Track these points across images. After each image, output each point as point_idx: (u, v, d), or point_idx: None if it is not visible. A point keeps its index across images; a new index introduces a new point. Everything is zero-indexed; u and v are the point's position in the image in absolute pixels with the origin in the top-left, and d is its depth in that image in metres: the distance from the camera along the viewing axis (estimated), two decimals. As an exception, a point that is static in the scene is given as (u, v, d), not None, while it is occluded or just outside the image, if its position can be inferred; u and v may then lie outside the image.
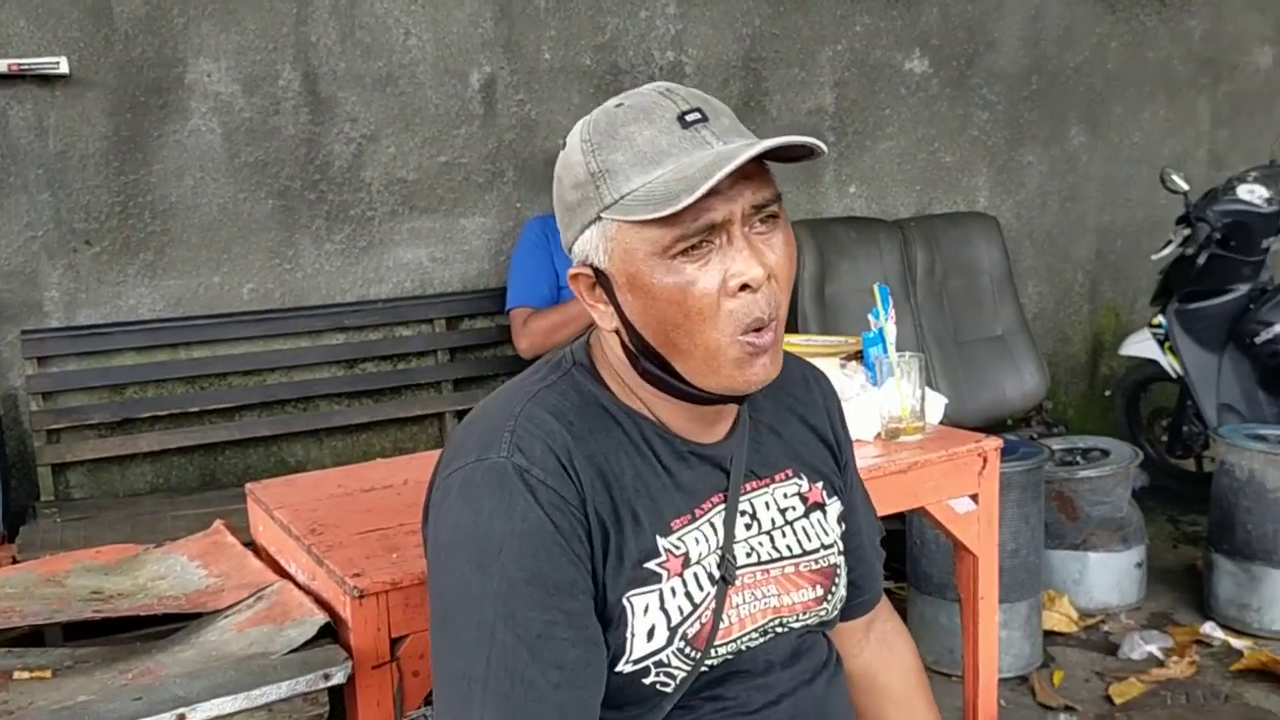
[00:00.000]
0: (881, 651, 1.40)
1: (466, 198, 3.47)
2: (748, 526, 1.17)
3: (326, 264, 3.30)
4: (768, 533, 1.18)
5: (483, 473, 1.04)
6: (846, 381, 1.95)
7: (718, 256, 1.02)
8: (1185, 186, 3.66)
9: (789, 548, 1.19)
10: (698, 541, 1.12)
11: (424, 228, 3.42)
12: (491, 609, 1.00)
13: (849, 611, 1.32)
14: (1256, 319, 3.65)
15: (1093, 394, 4.66)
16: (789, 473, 1.22)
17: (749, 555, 1.16)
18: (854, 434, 1.90)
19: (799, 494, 1.22)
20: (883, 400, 1.97)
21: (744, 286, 1.02)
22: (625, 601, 1.07)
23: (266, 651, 1.38)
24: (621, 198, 1.02)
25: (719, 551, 1.13)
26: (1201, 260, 3.65)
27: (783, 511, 1.20)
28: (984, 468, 1.99)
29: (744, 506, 1.17)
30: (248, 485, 1.83)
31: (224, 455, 3.23)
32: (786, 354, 1.19)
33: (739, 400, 1.14)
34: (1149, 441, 4.22)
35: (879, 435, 1.99)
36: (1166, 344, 3.87)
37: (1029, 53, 4.34)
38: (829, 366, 1.95)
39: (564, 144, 1.09)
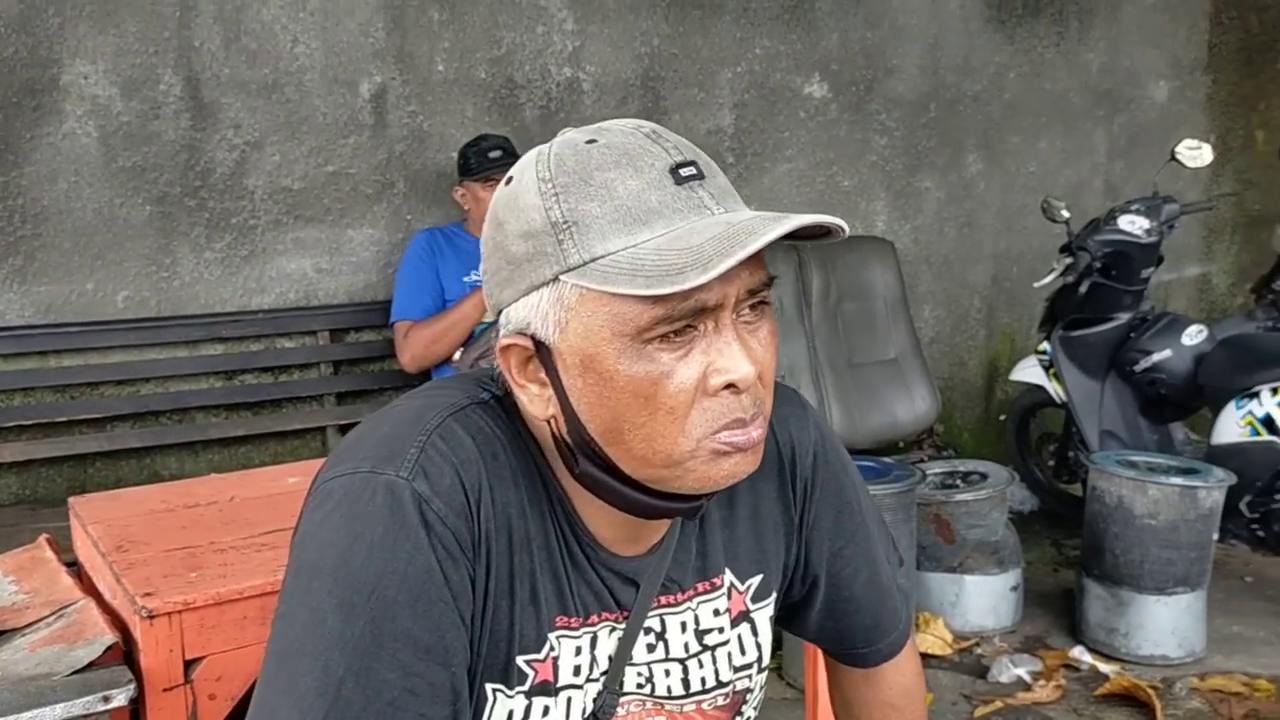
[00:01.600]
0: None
1: (354, 208, 3.43)
2: (650, 648, 1.01)
3: (206, 272, 3.24)
4: (679, 661, 1.02)
5: (373, 489, 0.87)
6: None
7: (701, 346, 0.84)
8: (1066, 215, 3.73)
9: (702, 681, 1.04)
10: (578, 653, 0.96)
11: (309, 238, 3.37)
12: (344, 659, 0.83)
13: (849, 659, 1.21)
14: (1136, 347, 3.72)
15: (988, 418, 4.73)
16: (717, 580, 1.04)
17: (641, 685, 1.01)
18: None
19: (726, 609, 1.05)
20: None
21: (729, 386, 0.85)
22: (489, 691, 0.93)
23: (52, 672, 1.34)
24: (593, 259, 0.83)
25: (601, 678, 0.98)
26: (1083, 289, 3.72)
27: (702, 636, 1.04)
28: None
29: (652, 623, 1.00)
30: (71, 499, 1.78)
31: (94, 467, 3.14)
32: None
33: (690, 510, 0.95)
34: (1038, 466, 4.29)
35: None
36: (1052, 370, 3.93)
37: (928, 80, 4.40)
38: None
39: (510, 179, 0.91)
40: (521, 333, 0.88)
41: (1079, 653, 3.18)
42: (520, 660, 0.93)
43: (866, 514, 1.15)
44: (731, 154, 4.05)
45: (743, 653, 1.06)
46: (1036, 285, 3.83)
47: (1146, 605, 3.12)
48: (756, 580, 1.06)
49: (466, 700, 0.89)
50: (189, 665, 1.39)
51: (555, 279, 0.85)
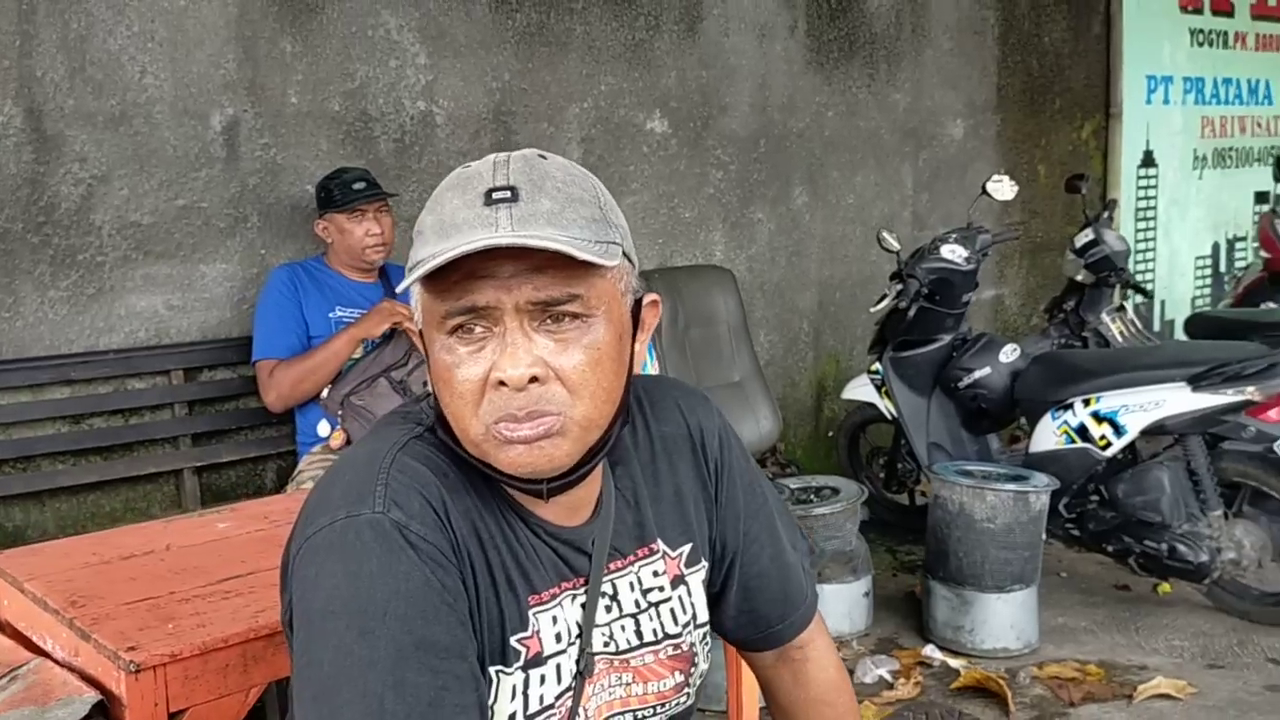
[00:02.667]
0: (802, 673, 1.35)
1: (206, 243, 3.32)
2: (608, 609, 1.13)
3: (50, 312, 3.06)
4: (631, 616, 1.15)
5: (356, 530, 0.97)
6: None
7: (492, 345, 0.98)
8: (897, 246, 4.03)
9: (654, 632, 1.17)
10: (554, 622, 1.09)
11: (160, 274, 3.24)
12: (379, 678, 0.92)
13: (771, 640, 1.30)
14: (958, 366, 4.05)
15: (818, 435, 5.00)
16: (652, 546, 1.18)
17: (607, 643, 1.13)
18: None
19: (664, 571, 1.18)
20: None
21: (501, 383, 0.97)
22: (493, 674, 1.04)
23: (29, 737, 1.29)
24: (419, 262, 0.99)
25: (576, 641, 1.10)
26: (911, 313, 4.02)
27: (646, 593, 1.17)
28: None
29: (606, 587, 1.13)
30: (-10, 557, 1.68)
31: (-75, 523, 2.91)
32: (670, 385, 1.26)
33: (562, 486, 1.06)
34: (868, 478, 4.57)
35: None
36: (883, 388, 4.22)
37: (757, 118, 4.65)
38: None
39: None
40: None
41: (930, 650, 3.43)
42: (513, 641, 1.05)
43: (768, 495, 1.30)
44: (580, 187, 4.14)
45: (684, 610, 1.20)
46: (871, 310, 4.11)
47: (988, 603, 3.41)
48: (686, 548, 1.20)
49: (483, 684, 1.01)
50: (173, 717, 1.36)
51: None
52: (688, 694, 1.20)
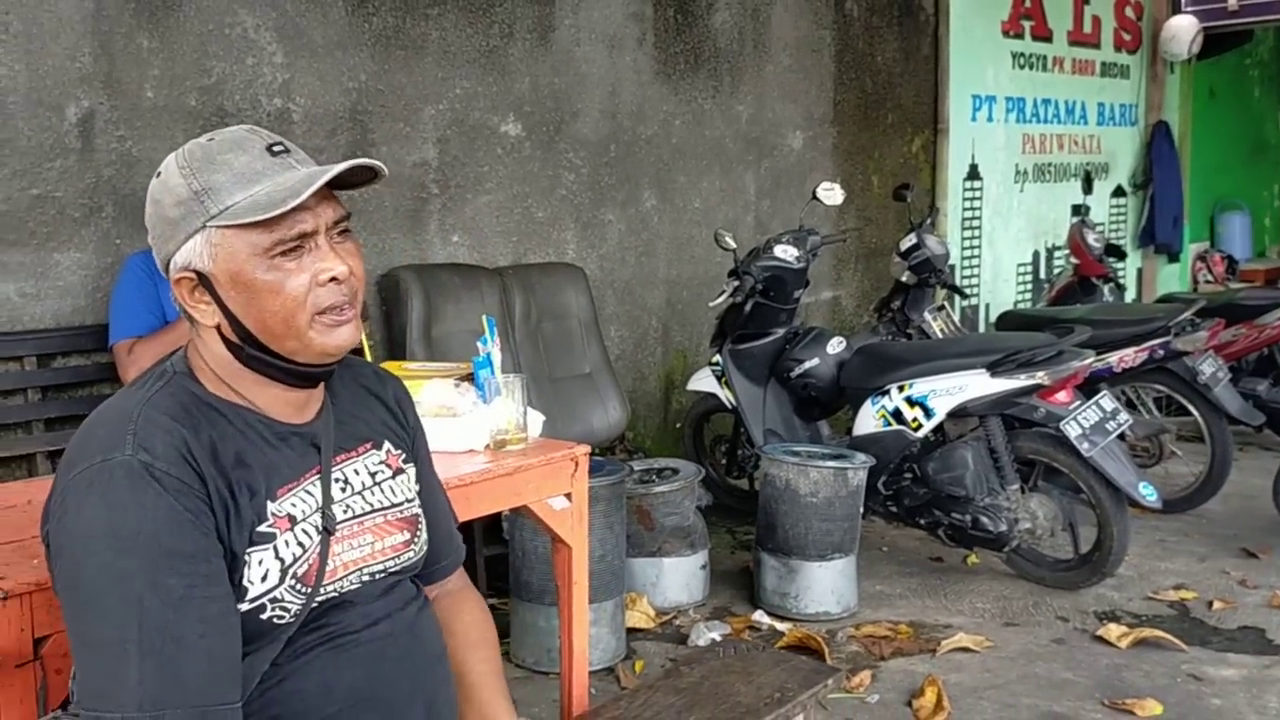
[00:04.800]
0: (455, 605, 1.65)
1: (61, 232, 3.38)
2: (343, 489, 1.42)
3: (-102, 297, 3.08)
4: (359, 493, 1.44)
5: (111, 470, 1.22)
6: (460, 399, 2.23)
7: (309, 258, 1.29)
8: (734, 245, 4.33)
9: (380, 501, 1.46)
10: (302, 502, 1.36)
11: (13, 261, 3.29)
12: (138, 582, 1.19)
13: (431, 575, 1.60)
14: (791, 357, 4.37)
15: (666, 425, 5.27)
16: (371, 445, 1.49)
17: (346, 512, 1.42)
18: (466, 445, 2.19)
19: (383, 461, 1.49)
20: (491, 415, 2.27)
21: (333, 279, 1.30)
22: (245, 556, 1.30)
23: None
24: (226, 208, 1.27)
25: (320, 510, 1.38)
26: (748, 308, 4.32)
27: (372, 474, 1.47)
28: (575, 471, 2.35)
29: (337, 475, 1.42)
30: None
31: None
32: (360, 360, 1.57)
33: (327, 373, 1.40)
34: (711, 465, 4.86)
35: (488, 445, 2.28)
36: (723, 379, 4.51)
37: (608, 124, 4.90)
38: (444, 386, 2.22)
39: (160, 174, 1.33)
40: (187, 269, 1.31)
41: (759, 616, 3.72)
42: (262, 528, 1.32)
43: (429, 454, 1.63)
44: (436, 185, 4.32)
45: (406, 489, 1.51)
46: (711, 305, 4.39)
47: (811, 571, 3.71)
48: (403, 452, 1.54)
49: (227, 577, 1.27)
50: (38, 643, 1.50)
51: (204, 227, 1.28)
52: (414, 549, 1.49)
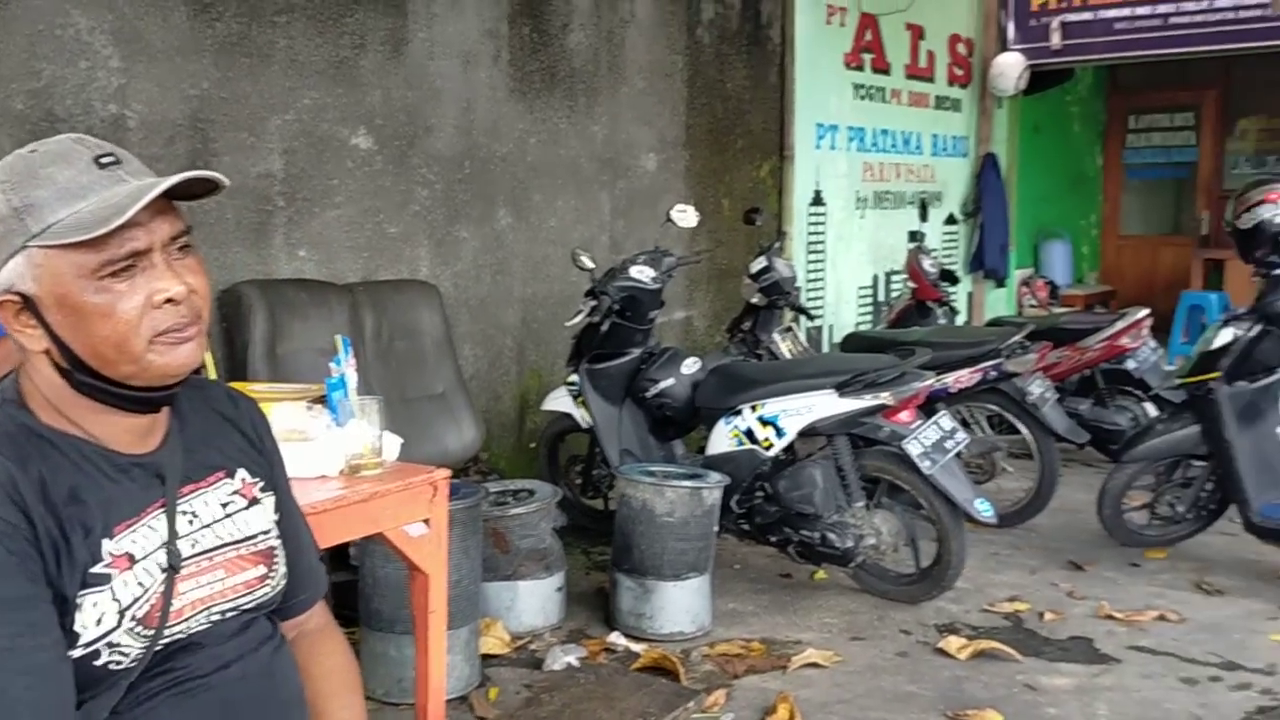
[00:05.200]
0: (315, 646, 1.57)
1: None
2: (190, 523, 1.34)
3: None
4: (209, 526, 1.36)
5: None
6: (312, 423, 2.15)
7: (143, 278, 1.20)
8: (591, 265, 4.34)
9: (232, 534, 1.38)
10: (144, 539, 1.27)
11: None
12: None
13: (289, 610, 1.51)
14: (647, 377, 4.39)
15: (521, 445, 5.23)
16: (223, 474, 1.40)
17: (193, 547, 1.33)
18: (319, 470, 2.12)
19: (236, 491, 1.41)
20: (345, 439, 2.20)
21: (169, 300, 1.21)
22: (77, 600, 1.21)
23: None
24: (48, 227, 1.17)
25: (164, 546, 1.29)
26: (604, 328, 4.33)
27: (224, 506, 1.38)
28: (434, 496, 2.29)
29: (184, 507, 1.33)
30: None
31: None
32: (213, 382, 1.48)
33: (169, 397, 1.31)
34: (567, 485, 4.84)
35: (342, 471, 2.21)
36: (579, 399, 4.50)
37: (463, 140, 4.84)
38: (295, 409, 2.14)
39: None
40: (9, 291, 1.21)
41: (615, 637, 3.71)
42: (98, 568, 1.23)
43: (288, 483, 1.54)
44: (282, 198, 4.18)
45: (261, 520, 1.42)
46: (567, 324, 4.38)
47: (667, 590, 3.73)
48: (260, 480, 1.45)
49: (58, 623, 1.19)
50: None
51: (24, 247, 1.19)
52: (270, 585, 1.41)
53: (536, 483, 4.02)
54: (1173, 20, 7.60)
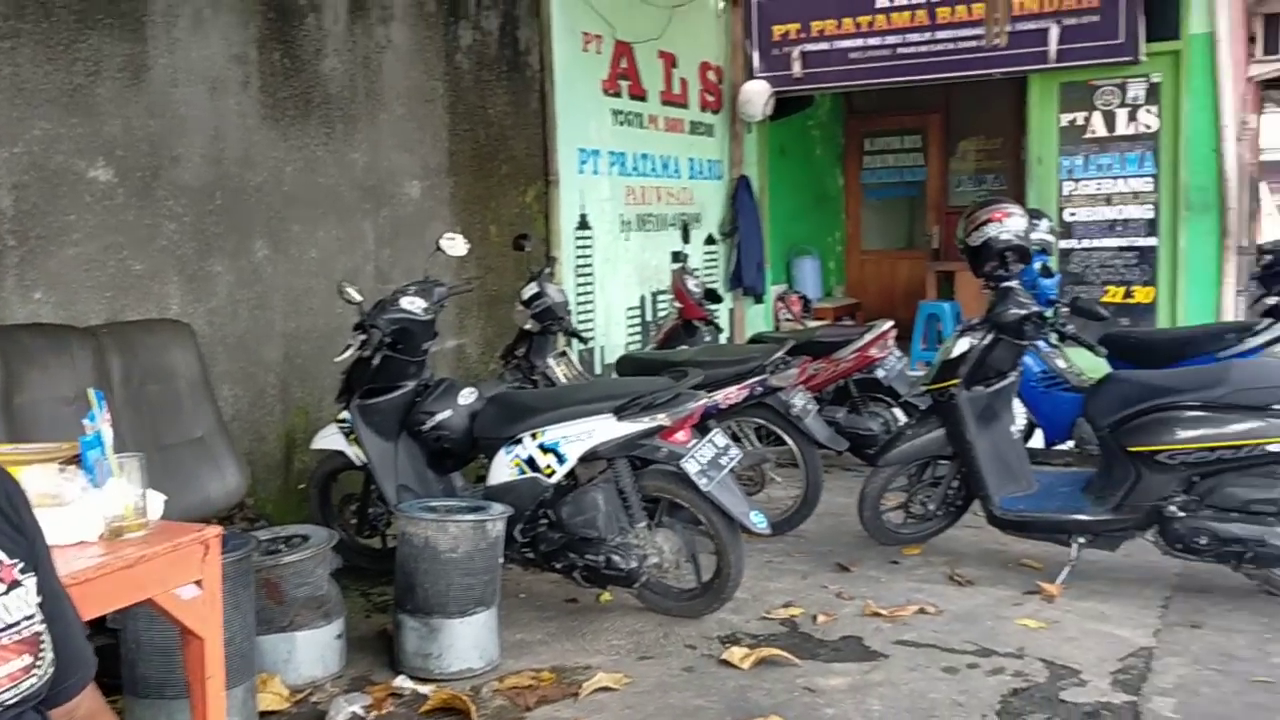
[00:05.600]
0: None
1: None
2: None
3: None
4: None
5: None
6: (66, 485, 1.98)
7: None
8: (359, 298, 4.22)
9: None
10: None
11: None
12: None
13: (58, 697, 1.41)
14: (422, 410, 4.31)
15: (289, 488, 5.01)
16: None
17: None
18: (77, 536, 1.96)
19: None
20: (104, 501, 2.04)
21: None
22: None
23: None
24: None
25: None
26: (376, 361, 4.22)
27: None
28: (206, 554, 2.16)
29: None
30: None
31: None
32: None
33: None
34: (342, 526, 4.66)
35: (103, 535, 2.05)
36: (352, 436, 4.36)
37: (212, 170, 4.61)
38: (47, 472, 1.97)
39: None
40: None
41: (401, 681, 3.61)
42: None
43: (50, 557, 1.48)
44: (12, 236, 3.85)
45: (24, 605, 1.34)
46: (336, 360, 4.24)
47: (453, 628, 3.67)
48: (20, 561, 1.37)
49: None
50: None
51: None
52: (37, 675, 1.32)
53: (309, 527, 3.87)
54: (900, 51, 8.19)
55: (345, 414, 4.37)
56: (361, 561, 4.66)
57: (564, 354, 5.67)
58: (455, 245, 4.54)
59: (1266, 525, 4.00)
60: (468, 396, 4.33)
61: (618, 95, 7.36)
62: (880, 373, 6.16)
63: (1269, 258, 6.82)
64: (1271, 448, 3.97)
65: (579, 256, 7.00)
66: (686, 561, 4.18)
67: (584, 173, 7.02)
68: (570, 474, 4.09)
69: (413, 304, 4.26)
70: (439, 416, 4.28)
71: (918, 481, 4.89)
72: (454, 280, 5.23)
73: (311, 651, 3.60)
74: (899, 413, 6.11)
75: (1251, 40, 8.78)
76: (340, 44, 5.24)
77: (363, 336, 4.17)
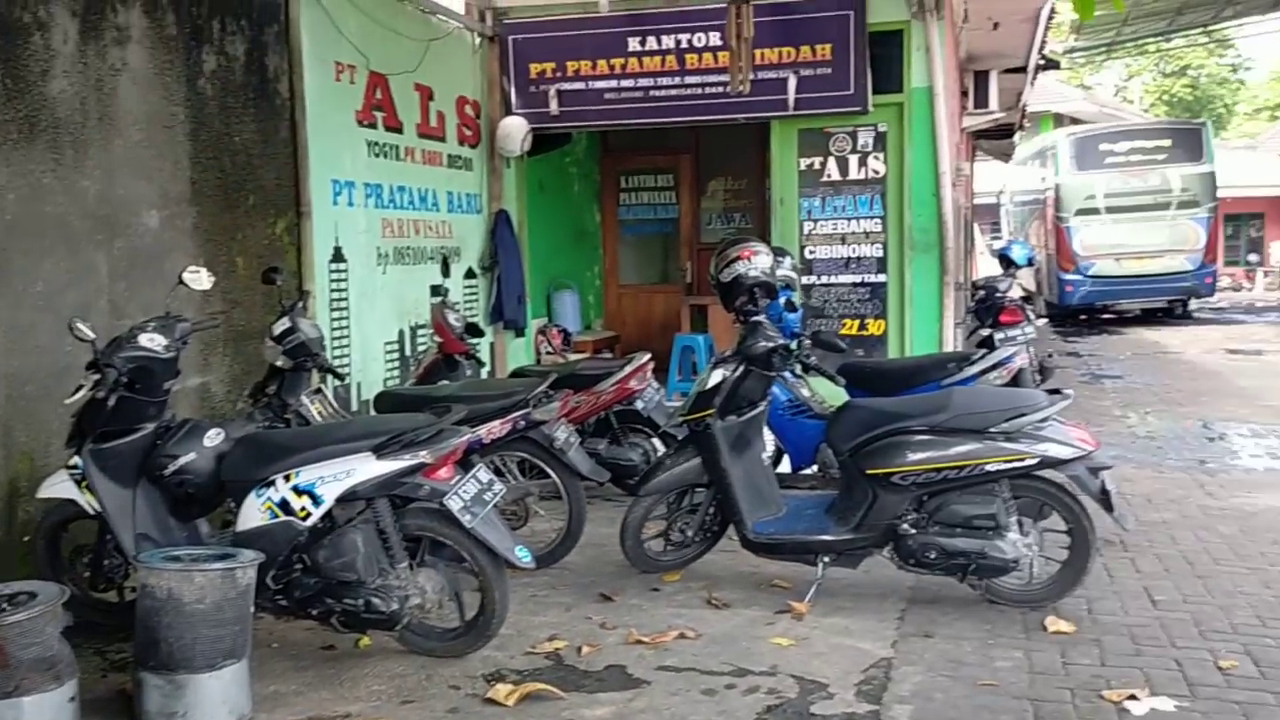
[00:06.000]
0: None
1: None
2: None
3: None
4: None
5: None
6: None
7: None
8: (92, 335, 3.94)
9: None
10: None
11: None
12: None
13: None
14: (164, 453, 4.07)
15: (12, 541, 4.59)
16: None
17: None
18: None
19: None
20: None
21: None
22: None
23: None
24: None
25: None
26: (112, 402, 3.95)
27: None
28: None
29: None
30: None
31: None
32: None
33: None
34: (73, 580, 4.33)
35: None
36: (83, 483, 4.07)
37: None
38: None
39: None
40: None
41: (142, 744, 3.38)
42: None
43: None
44: None
45: None
46: (67, 402, 3.95)
47: (201, 683, 3.47)
48: None
49: None
50: None
51: None
52: None
53: (37, 583, 3.57)
54: (652, 93, 8.48)
55: (76, 459, 4.07)
56: (96, 617, 4.33)
57: (319, 391, 5.50)
58: (199, 279, 4.34)
59: (986, 539, 4.38)
60: (213, 438, 4.12)
61: (373, 126, 7.24)
62: (639, 404, 6.32)
63: (982, 293, 7.51)
64: (989, 467, 4.36)
65: (334, 290, 6.81)
66: (450, 600, 4.13)
67: (338, 204, 6.85)
68: (327, 516, 3.96)
69: (152, 341, 4.03)
70: (182, 460, 4.05)
71: (676, 509, 5.04)
72: (197, 315, 4.98)
73: (41, 717, 3.31)
74: (658, 443, 6.29)
75: (965, 94, 9.67)
76: (70, 65, 4.91)
77: (96, 376, 3.90)
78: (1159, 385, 11.36)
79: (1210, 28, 27.19)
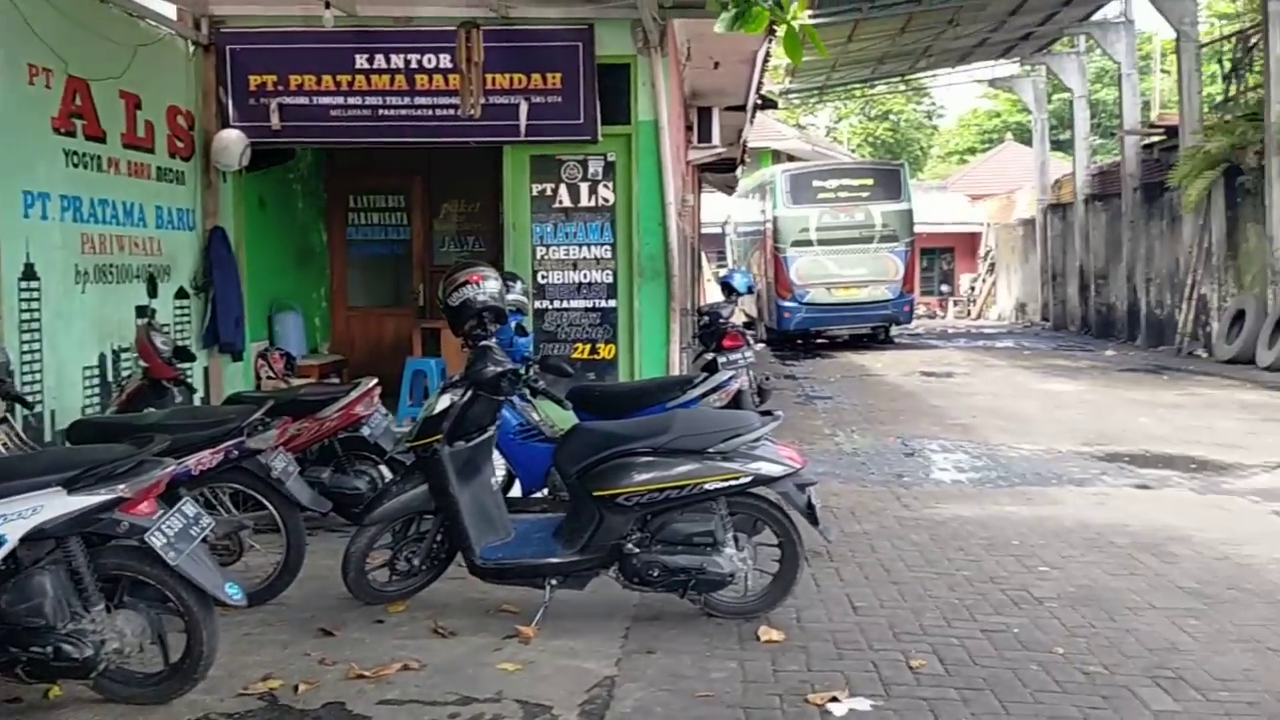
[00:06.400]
0: None
1: None
2: None
3: None
4: None
5: None
6: None
7: None
8: None
9: None
10: None
11: None
12: None
13: None
14: None
15: None
16: None
17: None
18: None
19: None
20: None
21: None
22: None
23: None
24: None
25: None
26: None
27: None
28: None
29: None
30: None
31: None
32: None
33: None
34: None
35: None
36: None
37: None
38: None
39: None
40: None
41: None
42: None
43: None
44: None
45: None
46: None
47: None
48: None
49: None
50: None
51: None
52: None
53: None
54: (381, 112, 8.34)
55: None
56: None
57: (5, 420, 5.02)
58: None
59: (705, 555, 4.56)
60: (-127, 475, 3.68)
61: (71, 135, 6.70)
62: (366, 430, 6.17)
63: (706, 319, 7.87)
64: (708, 486, 4.55)
65: (24, 310, 6.24)
66: (152, 643, 3.86)
67: (30, 218, 6.29)
68: (10, 557, 3.62)
69: None
70: None
71: (403, 538, 4.95)
72: None
73: None
74: (385, 470, 6.15)
75: (690, 129, 10.09)
76: None
77: None
78: (864, 405, 12.24)
79: (908, 76, 29.83)
